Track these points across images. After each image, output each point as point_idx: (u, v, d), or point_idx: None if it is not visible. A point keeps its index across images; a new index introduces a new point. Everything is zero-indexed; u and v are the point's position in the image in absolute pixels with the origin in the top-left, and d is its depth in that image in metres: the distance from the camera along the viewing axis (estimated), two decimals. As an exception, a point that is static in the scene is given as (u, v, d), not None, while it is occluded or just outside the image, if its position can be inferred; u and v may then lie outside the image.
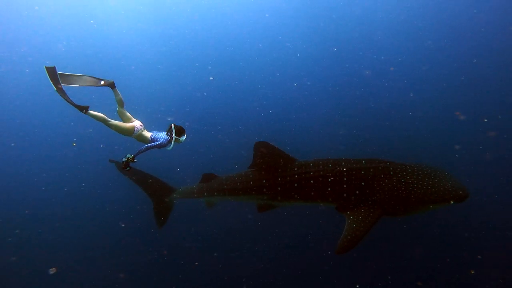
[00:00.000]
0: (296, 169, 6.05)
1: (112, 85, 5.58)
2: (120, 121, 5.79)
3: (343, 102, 18.36)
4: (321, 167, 5.86)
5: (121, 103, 5.75)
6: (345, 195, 5.56)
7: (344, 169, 5.68)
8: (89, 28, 19.32)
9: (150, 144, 5.56)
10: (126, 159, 5.30)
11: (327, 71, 19.38)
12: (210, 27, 19.66)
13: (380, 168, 5.59)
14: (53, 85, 5.21)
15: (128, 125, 5.71)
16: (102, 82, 5.50)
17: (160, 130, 6.00)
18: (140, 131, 5.77)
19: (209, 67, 19.62)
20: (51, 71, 5.20)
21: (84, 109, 5.32)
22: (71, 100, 5.29)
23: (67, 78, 5.37)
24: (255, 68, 19.90)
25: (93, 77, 5.52)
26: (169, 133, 5.74)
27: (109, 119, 5.60)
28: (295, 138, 15.86)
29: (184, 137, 5.73)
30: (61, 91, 5.23)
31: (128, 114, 5.84)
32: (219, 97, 19.56)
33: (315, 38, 18.99)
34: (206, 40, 19.89)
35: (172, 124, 5.69)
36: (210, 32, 19.84)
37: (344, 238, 4.83)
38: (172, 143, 5.63)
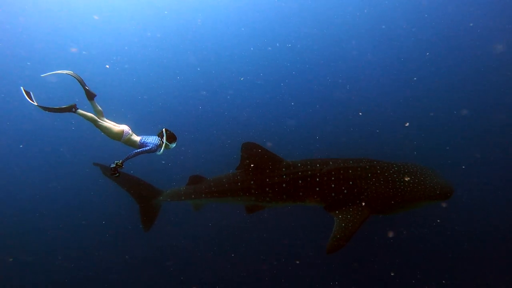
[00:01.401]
0: (284, 169, 6.03)
1: (91, 97, 5.42)
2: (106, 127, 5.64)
3: (330, 102, 18.48)
4: (309, 167, 5.87)
5: (100, 114, 5.56)
6: (333, 194, 5.58)
7: (332, 168, 5.70)
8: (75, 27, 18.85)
9: (140, 149, 5.44)
10: (114, 165, 5.17)
11: (314, 71, 19.45)
12: (198, 28, 19.47)
13: (367, 167, 5.64)
14: (32, 102, 5.14)
15: (117, 128, 5.59)
16: (86, 87, 5.37)
17: (148, 134, 5.89)
18: (129, 135, 5.64)
19: (198, 68, 19.46)
20: (27, 94, 5.13)
21: (72, 108, 5.20)
22: (55, 108, 5.19)
23: (56, 74, 5.30)
24: (243, 69, 19.81)
25: (81, 79, 5.39)
26: (160, 138, 5.64)
27: (99, 119, 5.46)
28: (283, 138, 15.86)
29: (174, 144, 5.63)
30: (40, 107, 5.15)
31: (111, 122, 5.72)
32: (205, 98, 19.40)
33: (304, 37, 19.04)
34: (195, 40, 19.70)
35: (164, 129, 5.58)
36: (198, 32, 19.65)
37: (334, 237, 4.85)
38: (162, 148, 5.53)
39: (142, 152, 5.40)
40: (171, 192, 7.25)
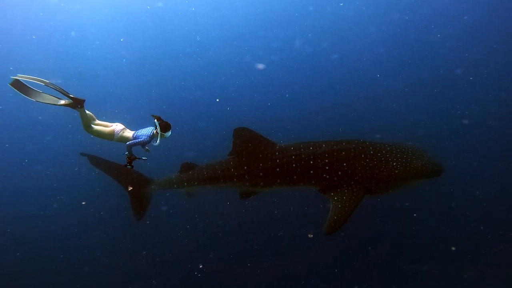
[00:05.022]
0: (277, 153, 6.01)
1: (76, 105, 5.27)
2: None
3: (322, 87, 18.45)
4: (302, 150, 5.86)
5: (92, 118, 5.51)
6: (327, 177, 5.60)
7: (326, 151, 5.72)
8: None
9: (133, 141, 5.34)
10: (127, 159, 5.34)
11: (310, 56, 19.29)
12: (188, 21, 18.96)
13: (360, 148, 5.69)
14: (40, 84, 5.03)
15: (108, 129, 5.50)
16: (62, 102, 5.22)
17: (145, 127, 5.79)
18: (121, 133, 5.54)
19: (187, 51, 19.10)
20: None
21: (79, 103, 5.12)
22: (66, 93, 5.11)
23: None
24: (234, 54, 19.50)
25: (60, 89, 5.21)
26: (154, 128, 5.55)
27: (91, 125, 5.39)
28: (274, 122, 15.77)
29: (169, 133, 5.52)
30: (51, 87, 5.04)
31: (103, 122, 5.63)
32: (195, 83, 19.04)
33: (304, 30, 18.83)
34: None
35: (155, 119, 5.46)
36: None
37: (331, 218, 4.90)
38: (158, 138, 5.42)
39: (134, 144, 5.33)
40: (163, 180, 7.15)
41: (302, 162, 5.76)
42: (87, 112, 5.37)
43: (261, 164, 6.04)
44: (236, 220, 10.65)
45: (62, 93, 5.12)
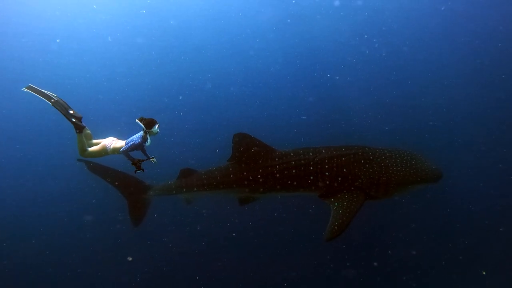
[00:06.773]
0: (276, 159, 6.02)
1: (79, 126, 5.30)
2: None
3: (320, 89, 18.43)
4: (302, 156, 5.88)
5: (89, 137, 5.54)
6: (328, 182, 5.61)
7: (325, 156, 5.74)
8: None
9: (125, 147, 5.31)
10: (132, 165, 5.32)
11: (306, 59, 19.31)
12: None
13: (360, 153, 5.72)
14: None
15: (99, 147, 5.51)
16: (72, 119, 5.24)
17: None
18: (112, 144, 5.53)
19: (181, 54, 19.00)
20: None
21: (78, 129, 5.22)
22: (67, 111, 5.14)
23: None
24: (231, 56, 19.41)
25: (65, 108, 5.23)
26: (142, 130, 5.53)
27: (86, 149, 5.42)
28: (274, 128, 15.75)
29: (156, 127, 5.44)
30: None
31: (96, 140, 5.67)
32: (193, 87, 18.92)
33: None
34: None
35: (137, 120, 5.44)
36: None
37: (332, 224, 4.90)
38: (148, 137, 5.39)
39: (128, 149, 5.29)
40: (162, 186, 7.11)
41: (302, 168, 5.77)
42: (87, 131, 5.43)
43: (260, 170, 6.04)
44: (235, 222, 10.60)
45: (65, 115, 5.16)
